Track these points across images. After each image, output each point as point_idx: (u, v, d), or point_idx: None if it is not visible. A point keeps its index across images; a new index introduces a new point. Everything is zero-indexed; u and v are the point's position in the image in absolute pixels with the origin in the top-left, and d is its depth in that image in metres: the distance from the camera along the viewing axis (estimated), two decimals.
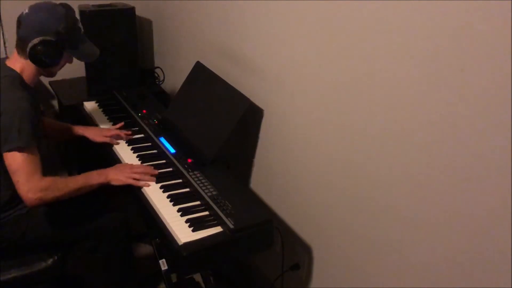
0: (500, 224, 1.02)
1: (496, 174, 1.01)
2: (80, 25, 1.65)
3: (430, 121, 1.14)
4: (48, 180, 1.49)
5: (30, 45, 1.50)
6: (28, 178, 1.45)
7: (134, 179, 1.62)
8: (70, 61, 1.68)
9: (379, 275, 1.42)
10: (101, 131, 1.95)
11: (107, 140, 1.90)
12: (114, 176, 1.62)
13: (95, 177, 1.61)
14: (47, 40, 1.51)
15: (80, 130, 1.95)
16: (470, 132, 1.05)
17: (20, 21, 1.55)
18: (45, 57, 1.52)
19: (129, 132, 1.95)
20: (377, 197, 1.36)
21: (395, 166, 1.28)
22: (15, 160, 1.45)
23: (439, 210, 1.17)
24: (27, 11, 1.55)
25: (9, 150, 1.44)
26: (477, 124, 1.03)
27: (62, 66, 1.66)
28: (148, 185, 1.62)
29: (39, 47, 1.50)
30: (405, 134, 1.22)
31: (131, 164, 1.71)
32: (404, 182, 1.25)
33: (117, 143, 1.91)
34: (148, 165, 1.73)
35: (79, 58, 1.71)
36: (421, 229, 1.23)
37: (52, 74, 1.69)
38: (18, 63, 1.57)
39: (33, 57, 1.52)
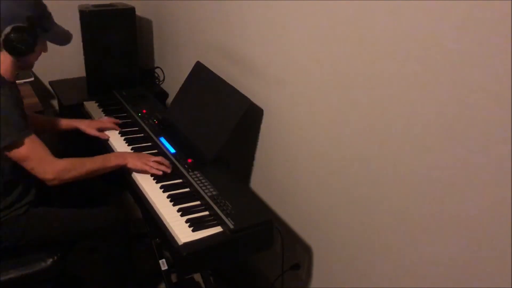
0: (501, 224, 1.02)
1: (497, 174, 1.01)
2: (49, 10, 1.62)
3: (430, 122, 1.14)
4: (63, 161, 1.53)
5: (3, 34, 1.47)
6: (40, 162, 1.49)
7: (151, 167, 1.66)
8: (45, 50, 1.65)
9: (379, 275, 1.42)
10: (93, 122, 2.00)
11: (98, 134, 1.95)
12: (132, 160, 1.67)
13: (113, 159, 1.66)
14: (19, 26, 1.48)
15: (74, 123, 1.97)
16: (471, 132, 1.05)
17: None
18: (21, 44, 1.48)
19: (118, 121, 2.03)
20: (377, 197, 1.36)
21: (395, 166, 1.28)
22: (19, 153, 1.47)
23: (439, 210, 1.17)
24: None
25: (7, 147, 1.45)
26: (478, 124, 1.03)
27: (38, 55, 1.63)
28: (160, 173, 1.66)
29: (12, 35, 1.46)
30: (405, 135, 1.22)
31: (150, 155, 1.75)
32: (404, 182, 1.25)
33: (108, 137, 1.96)
34: None
35: (54, 42, 1.67)
36: (421, 229, 1.23)
37: (29, 65, 1.66)
38: None
39: (7, 46, 1.48)
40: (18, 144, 1.46)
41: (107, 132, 1.98)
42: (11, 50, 1.50)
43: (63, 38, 1.69)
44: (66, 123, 1.96)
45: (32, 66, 1.68)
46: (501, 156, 0.99)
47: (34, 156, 1.49)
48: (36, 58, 1.65)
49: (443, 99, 1.09)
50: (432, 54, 1.10)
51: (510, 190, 0.99)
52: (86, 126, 1.96)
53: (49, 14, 1.62)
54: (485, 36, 0.98)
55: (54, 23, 1.65)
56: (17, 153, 1.47)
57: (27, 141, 1.47)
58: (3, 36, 1.47)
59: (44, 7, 1.60)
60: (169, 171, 1.69)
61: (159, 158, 1.71)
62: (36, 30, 1.54)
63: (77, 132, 1.97)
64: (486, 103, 1.00)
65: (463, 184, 1.09)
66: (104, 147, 1.93)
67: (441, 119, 1.11)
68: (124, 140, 1.94)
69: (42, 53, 1.64)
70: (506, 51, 0.94)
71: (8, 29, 1.46)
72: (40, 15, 1.55)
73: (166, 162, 1.71)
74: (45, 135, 1.86)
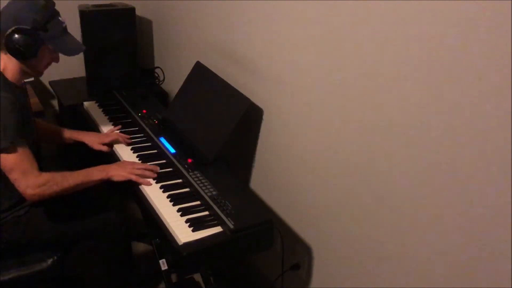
0: (501, 224, 1.02)
1: (497, 174, 1.01)
2: (61, 19, 1.59)
3: (431, 121, 1.14)
4: (46, 176, 1.49)
5: (6, 34, 1.46)
6: (24, 175, 1.45)
7: (136, 175, 1.62)
8: (56, 59, 1.63)
9: (379, 275, 1.42)
10: (99, 137, 1.91)
11: (103, 148, 1.87)
12: (115, 172, 1.62)
13: (96, 173, 1.60)
14: (21, 28, 1.46)
15: (79, 136, 1.91)
16: (471, 131, 1.05)
17: None
18: (21, 47, 1.46)
19: (128, 136, 1.92)
20: (377, 197, 1.36)
21: (395, 166, 1.28)
22: (7, 160, 1.43)
23: (439, 210, 1.16)
24: (6, 4, 1.50)
25: None
26: (478, 123, 1.03)
27: (48, 63, 1.61)
28: (149, 183, 1.62)
29: (14, 36, 1.45)
30: (405, 134, 1.22)
31: (133, 161, 1.72)
32: (405, 182, 1.25)
33: (109, 149, 1.89)
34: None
35: (62, 52, 1.62)
36: (421, 228, 1.23)
37: (37, 72, 1.63)
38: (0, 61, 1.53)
39: (9, 47, 1.47)
40: (8, 151, 1.42)
41: (116, 146, 1.89)
42: (13, 52, 1.48)
43: (72, 48, 1.63)
44: (70, 135, 1.91)
45: (40, 73, 1.65)
46: (501, 156, 0.99)
47: (20, 168, 1.44)
48: (45, 66, 1.62)
49: (443, 99, 1.09)
50: (432, 54, 1.10)
51: (510, 190, 0.99)
52: (91, 142, 1.89)
53: (60, 21, 1.57)
54: (485, 36, 0.98)
55: (66, 32, 1.61)
56: (4, 161, 1.43)
57: (16, 150, 1.43)
58: (5, 36, 1.46)
59: (54, 13, 1.56)
60: (155, 175, 1.65)
61: (143, 165, 1.68)
62: (40, 34, 1.50)
63: (80, 128, 1.96)
64: (486, 103, 1.00)
65: (463, 184, 1.09)
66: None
67: (442, 119, 1.11)
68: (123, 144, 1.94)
69: None
70: (507, 51, 0.94)
71: (10, 30, 1.45)
72: (47, 20, 1.52)
73: (152, 166, 1.68)
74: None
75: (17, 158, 1.44)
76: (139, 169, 1.64)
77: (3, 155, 1.43)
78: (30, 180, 1.45)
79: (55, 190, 1.50)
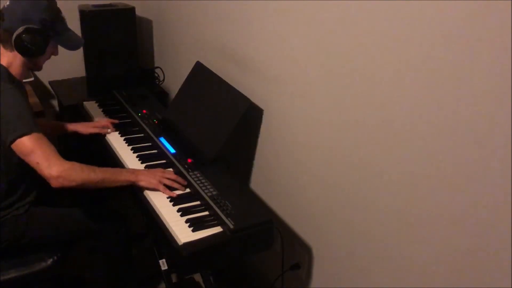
0: (501, 224, 1.02)
1: (497, 173, 1.01)
2: (63, 15, 1.64)
3: (430, 121, 1.14)
4: (70, 162, 1.46)
5: (15, 34, 1.49)
6: (46, 156, 1.42)
7: (164, 184, 1.58)
8: (56, 53, 1.67)
9: (379, 275, 1.42)
10: (91, 123, 2.01)
11: (97, 130, 1.95)
12: (145, 177, 1.57)
13: (125, 173, 1.58)
14: (32, 28, 1.50)
15: (71, 126, 1.98)
16: (471, 131, 1.05)
17: (2, 13, 1.53)
18: (31, 45, 1.51)
19: (115, 121, 2.03)
20: (377, 197, 1.36)
21: (395, 165, 1.28)
22: (26, 146, 1.42)
23: (439, 209, 1.17)
24: (8, 3, 1.53)
25: (15, 139, 1.41)
26: (478, 123, 1.03)
27: (48, 57, 1.66)
28: (175, 195, 1.57)
29: (24, 35, 1.49)
30: (405, 134, 1.22)
31: (163, 170, 1.66)
32: (405, 181, 1.25)
33: (108, 132, 1.97)
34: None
35: (65, 47, 1.68)
36: (421, 228, 1.23)
37: (38, 67, 1.67)
38: (5, 57, 1.56)
39: (19, 46, 1.51)
40: (27, 136, 1.42)
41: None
42: (22, 51, 1.52)
43: (75, 43, 1.69)
44: (62, 127, 1.97)
45: (41, 68, 1.69)
46: (501, 156, 0.99)
47: (41, 149, 1.42)
48: (46, 60, 1.67)
49: (443, 98, 1.09)
50: (432, 53, 1.10)
51: (510, 190, 0.99)
52: (82, 128, 1.97)
53: (63, 18, 1.64)
54: (486, 36, 0.98)
55: (67, 27, 1.66)
56: (23, 147, 1.42)
57: (35, 136, 1.43)
58: (15, 36, 1.50)
59: (58, 11, 1.62)
60: (183, 189, 1.60)
61: (174, 176, 1.62)
62: (48, 33, 1.56)
63: (77, 136, 1.98)
64: (486, 103, 1.00)
65: (464, 184, 1.09)
66: (104, 147, 1.93)
67: (442, 119, 1.11)
68: (124, 140, 1.94)
69: None
70: (507, 50, 0.94)
71: (21, 29, 1.49)
72: (53, 19, 1.57)
73: (181, 179, 1.62)
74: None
75: (37, 143, 1.42)
76: (169, 179, 1.59)
77: (22, 141, 1.41)
78: (53, 160, 1.42)
79: (80, 177, 1.45)
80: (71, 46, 1.68)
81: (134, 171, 1.61)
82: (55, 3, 1.62)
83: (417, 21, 1.12)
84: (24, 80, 1.67)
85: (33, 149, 1.42)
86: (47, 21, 1.54)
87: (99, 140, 1.98)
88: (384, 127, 1.28)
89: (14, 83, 1.53)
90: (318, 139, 1.55)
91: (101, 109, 2.22)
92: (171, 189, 1.59)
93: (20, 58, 1.56)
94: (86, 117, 2.20)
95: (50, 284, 1.71)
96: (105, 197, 1.86)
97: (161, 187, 1.57)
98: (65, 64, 2.62)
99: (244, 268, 2.15)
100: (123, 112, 2.17)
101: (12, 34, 1.50)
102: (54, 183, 1.43)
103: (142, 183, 1.57)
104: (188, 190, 1.62)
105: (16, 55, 1.55)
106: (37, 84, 2.64)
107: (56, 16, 1.60)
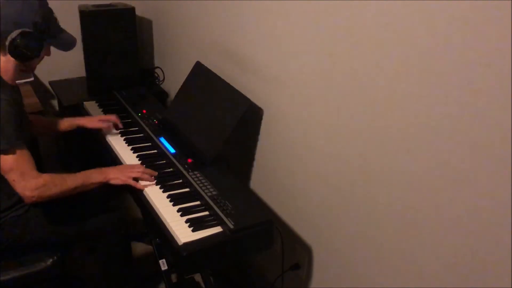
0: (500, 224, 1.02)
1: (496, 173, 1.01)
2: (55, 15, 1.61)
3: (430, 121, 1.14)
4: (44, 177, 1.48)
5: (9, 39, 1.45)
6: (22, 176, 1.44)
7: (134, 178, 1.62)
8: (49, 54, 1.64)
9: (379, 275, 1.42)
10: (96, 117, 2.00)
11: (101, 125, 1.95)
12: (114, 175, 1.62)
13: (94, 176, 1.60)
14: (26, 31, 1.46)
15: (75, 121, 1.96)
16: (470, 131, 1.05)
17: None
18: (27, 50, 1.47)
19: (121, 126, 2.00)
20: (377, 197, 1.36)
21: (395, 166, 1.27)
22: (6, 162, 1.43)
23: (439, 210, 1.16)
24: None
25: None
26: (478, 124, 1.03)
27: (42, 59, 1.63)
28: (143, 187, 1.61)
29: (19, 40, 1.45)
30: (405, 135, 1.22)
31: (132, 165, 1.71)
32: (404, 182, 1.25)
33: (110, 130, 1.97)
34: (148, 165, 1.73)
35: (59, 48, 1.66)
36: (421, 228, 1.23)
37: (32, 69, 1.65)
38: None
39: (13, 51, 1.46)
40: (7, 153, 1.42)
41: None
42: (17, 55, 1.48)
43: (68, 43, 1.67)
44: (68, 123, 1.95)
45: (34, 70, 1.67)
46: (501, 155, 0.99)
47: (18, 169, 1.43)
48: (39, 62, 1.64)
49: (443, 98, 1.09)
50: (432, 53, 1.10)
51: (510, 190, 0.99)
52: (87, 121, 1.96)
53: (55, 19, 1.60)
54: (486, 35, 0.98)
55: (60, 28, 1.64)
56: (3, 164, 1.43)
57: (15, 152, 1.43)
58: (9, 40, 1.45)
59: (50, 11, 1.58)
60: (152, 180, 1.65)
61: (142, 168, 1.67)
62: (43, 36, 1.52)
63: (80, 131, 1.97)
64: (486, 103, 1.00)
65: (463, 183, 1.09)
66: (104, 147, 1.93)
67: (441, 119, 1.11)
68: (124, 140, 1.94)
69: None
70: (507, 50, 0.94)
71: (14, 34, 1.44)
72: (46, 21, 1.54)
73: (150, 170, 1.67)
74: (46, 138, 1.87)
75: (16, 160, 1.43)
76: (138, 172, 1.64)
77: (2, 157, 1.42)
78: (29, 181, 1.45)
79: (54, 192, 1.50)
80: (65, 47, 1.66)
81: (102, 171, 1.63)
82: (47, 3, 1.58)
83: (417, 21, 1.12)
84: (24, 80, 1.66)
85: (12, 167, 1.43)
86: (40, 24, 1.50)
87: (99, 140, 1.98)
88: (384, 127, 1.28)
89: (6, 89, 1.48)
90: (318, 139, 1.55)
91: (101, 109, 2.22)
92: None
93: (13, 62, 1.52)
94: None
95: (50, 284, 1.70)
96: (105, 197, 1.85)
97: (130, 181, 1.61)
98: (65, 64, 2.62)
99: (244, 268, 2.15)
100: (123, 112, 2.17)
101: (5, 39, 1.45)
102: (28, 201, 1.48)
103: (113, 181, 1.62)
104: (188, 190, 1.62)
105: (8, 60, 1.50)
106: (37, 84, 2.64)
107: (49, 18, 1.56)
